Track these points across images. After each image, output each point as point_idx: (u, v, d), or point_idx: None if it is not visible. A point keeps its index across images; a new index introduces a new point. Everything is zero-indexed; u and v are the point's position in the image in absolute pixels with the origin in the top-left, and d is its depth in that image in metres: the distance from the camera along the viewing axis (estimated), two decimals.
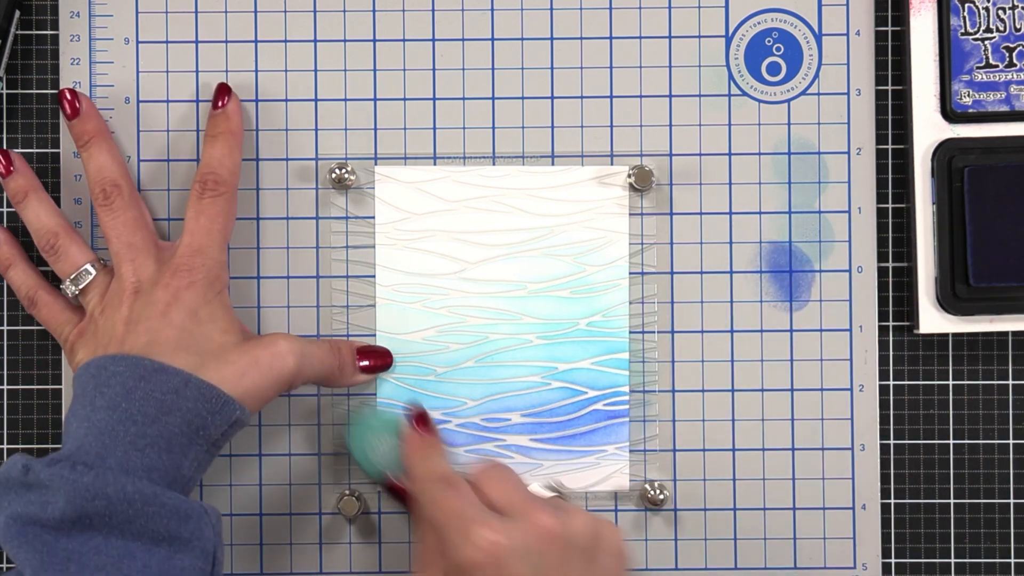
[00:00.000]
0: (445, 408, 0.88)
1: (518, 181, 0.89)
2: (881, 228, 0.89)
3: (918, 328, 0.87)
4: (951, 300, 0.87)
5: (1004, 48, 0.87)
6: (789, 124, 0.89)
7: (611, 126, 0.89)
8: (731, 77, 0.89)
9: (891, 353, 0.89)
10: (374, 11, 0.89)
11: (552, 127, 0.89)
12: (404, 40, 0.89)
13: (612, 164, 0.89)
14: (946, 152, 0.87)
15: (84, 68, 0.89)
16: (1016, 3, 0.87)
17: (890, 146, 0.89)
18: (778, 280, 0.89)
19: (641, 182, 0.88)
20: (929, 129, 0.87)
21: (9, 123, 0.89)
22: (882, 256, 0.89)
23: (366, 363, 0.87)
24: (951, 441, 0.89)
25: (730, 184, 0.89)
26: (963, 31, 0.87)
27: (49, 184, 0.88)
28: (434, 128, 0.89)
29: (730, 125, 0.89)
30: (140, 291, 0.82)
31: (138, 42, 0.89)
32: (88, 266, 0.85)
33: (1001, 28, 0.87)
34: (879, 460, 0.89)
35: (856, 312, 0.89)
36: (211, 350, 0.80)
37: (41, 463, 0.75)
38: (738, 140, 0.89)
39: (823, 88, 0.89)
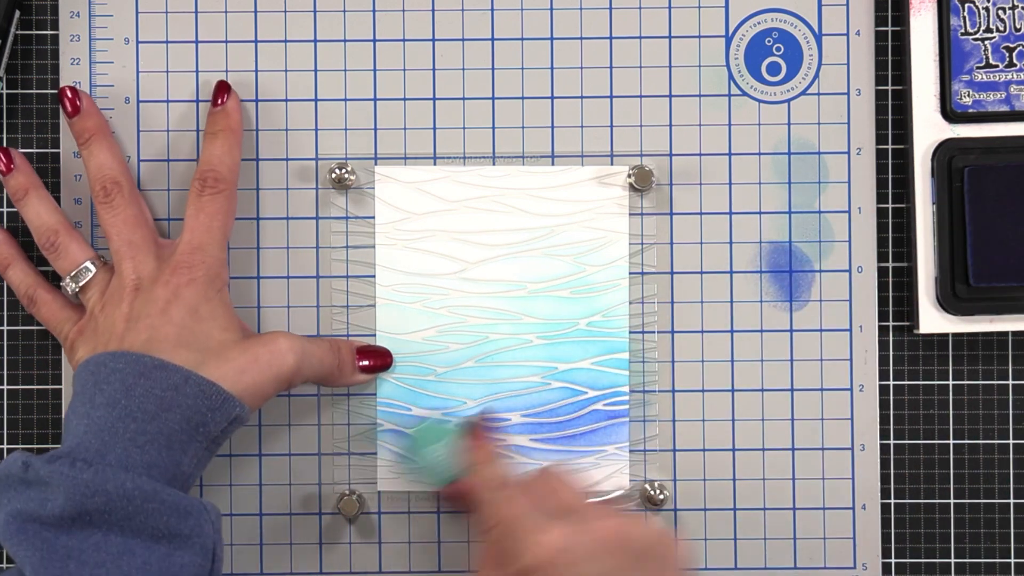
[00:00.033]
0: (445, 408, 0.88)
1: (518, 181, 0.89)
2: (881, 228, 0.89)
3: (918, 328, 0.87)
4: (951, 300, 0.87)
5: (1004, 48, 0.87)
6: (789, 124, 0.89)
7: (611, 126, 0.89)
8: (731, 77, 0.89)
9: (891, 353, 0.89)
10: (374, 11, 0.89)
11: (552, 127, 0.89)
12: (404, 40, 0.89)
13: (612, 164, 0.89)
14: (946, 152, 0.87)
15: (84, 68, 0.89)
16: (1016, 3, 0.87)
17: (890, 146, 0.89)
18: (778, 280, 0.89)
19: (641, 182, 0.88)
20: (929, 129, 0.87)
21: (9, 123, 0.89)
22: (882, 256, 0.89)
23: (366, 363, 0.87)
24: (951, 441, 0.89)
25: (730, 184, 0.89)
26: (963, 31, 0.87)
27: (49, 184, 0.88)
28: (434, 128, 0.89)
29: (730, 125, 0.89)
30: (140, 288, 0.82)
31: (138, 42, 0.89)
32: (88, 263, 0.85)
33: (1001, 28, 0.87)
34: (879, 460, 0.89)
35: (856, 312, 0.89)
36: (211, 347, 0.80)
37: (41, 460, 0.75)
38: (738, 140, 0.89)
39: (823, 88, 0.89)
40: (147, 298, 0.81)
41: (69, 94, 0.86)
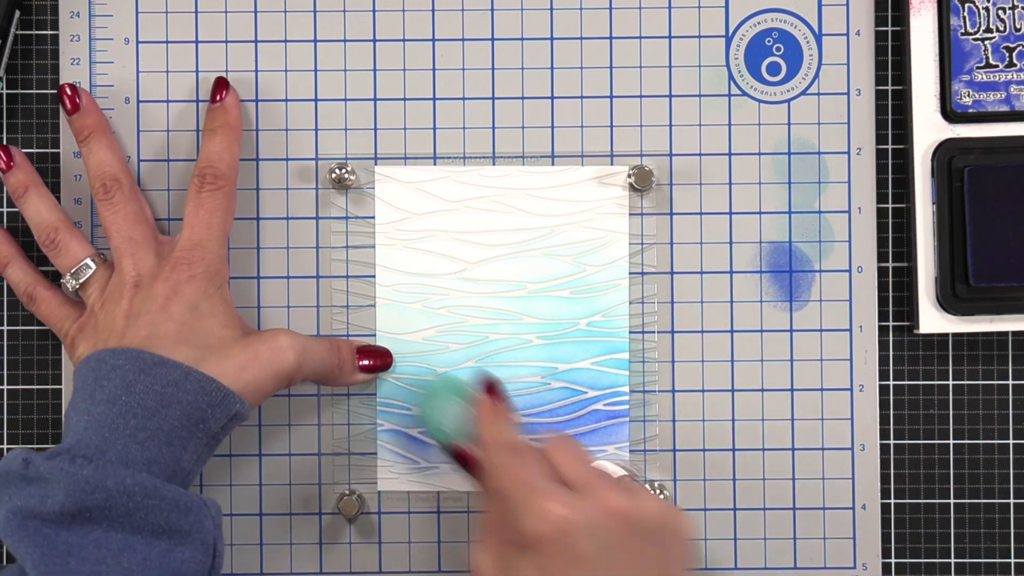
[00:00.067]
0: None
1: (518, 181, 0.89)
2: (881, 228, 0.89)
3: (918, 328, 0.87)
4: (951, 300, 0.87)
5: (1004, 48, 0.87)
6: (789, 124, 0.89)
7: (611, 126, 0.89)
8: (731, 77, 0.89)
9: (891, 353, 0.89)
10: (374, 11, 0.89)
11: (552, 127, 0.89)
12: (404, 40, 0.89)
13: (612, 164, 0.89)
14: (946, 152, 0.87)
15: (84, 68, 0.89)
16: (1016, 3, 0.87)
17: (890, 146, 0.89)
18: (778, 280, 0.89)
19: (641, 182, 0.88)
20: (929, 129, 0.87)
21: (9, 123, 0.89)
22: (882, 256, 0.89)
23: (366, 363, 0.87)
24: (951, 441, 0.89)
25: (730, 184, 0.89)
26: (963, 31, 0.87)
27: (49, 184, 0.88)
28: (434, 128, 0.89)
29: (730, 125, 0.89)
30: (140, 285, 0.82)
31: (138, 42, 0.89)
32: (88, 260, 0.85)
33: (1001, 28, 0.87)
34: (879, 460, 0.89)
35: (856, 312, 0.89)
36: (211, 344, 0.80)
37: (41, 457, 0.75)
38: (738, 140, 0.89)
39: (823, 88, 0.89)
40: (147, 295, 0.81)
41: (68, 92, 0.86)
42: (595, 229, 0.88)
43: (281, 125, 0.89)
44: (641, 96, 0.89)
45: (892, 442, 0.89)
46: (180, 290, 0.81)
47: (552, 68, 0.89)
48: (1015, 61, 0.87)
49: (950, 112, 0.87)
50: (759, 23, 0.89)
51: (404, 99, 0.89)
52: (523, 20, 0.89)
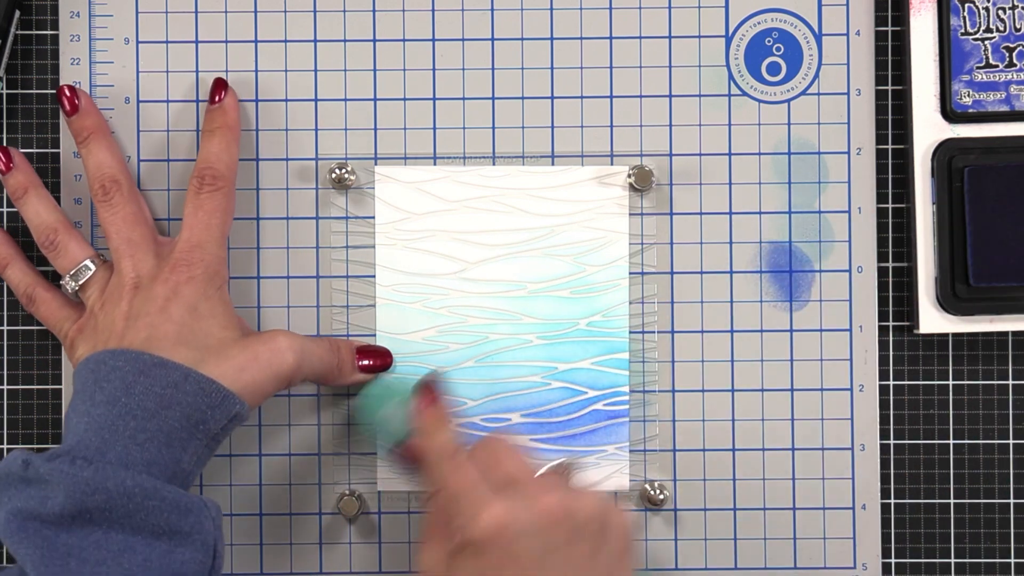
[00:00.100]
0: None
1: (518, 181, 0.89)
2: (881, 228, 0.89)
3: (918, 328, 0.87)
4: (951, 300, 0.87)
5: (1004, 48, 0.87)
6: (789, 124, 0.89)
7: (611, 126, 0.89)
8: (731, 77, 0.89)
9: (891, 353, 0.89)
10: (374, 11, 0.89)
11: (552, 127, 0.89)
12: (404, 40, 0.89)
13: (612, 164, 0.89)
14: (946, 152, 0.87)
15: (84, 68, 0.89)
16: (1016, 3, 0.87)
17: (890, 146, 0.89)
18: (778, 280, 0.89)
19: (641, 182, 0.88)
20: (929, 129, 0.87)
21: (9, 123, 0.89)
22: (882, 256, 0.89)
23: (366, 363, 0.87)
24: (951, 441, 0.89)
25: (730, 184, 0.89)
26: (963, 31, 0.87)
27: (49, 184, 0.88)
28: (434, 128, 0.89)
29: (730, 125, 0.89)
30: (139, 286, 0.82)
31: (138, 42, 0.89)
32: (88, 262, 0.85)
33: (1001, 28, 0.87)
34: (879, 460, 0.89)
35: (856, 312, 0.89)
36: (211, 345, 0.80)
37: (41, 458, 0.75)
38: (738, 140, 0.89)
39: (823, 88, 0.89)
40: (146, 296, 0.81)
41: (68, 93, 0.86)
42: (595, 229, 0.88)
43: (281, 125, 0.89)
44: (641, 96, 0.89)
45: (892, 442, 0.89)
46: (179, 291, 0.81)
47: (552, 68, 0.89)
48: (1015, 61, 0.87)
49: (950, 112, 0.87)
50: (759, 23, 0.89)
51: (404, 99, 0.89)
52: (523, 20, 0.89)
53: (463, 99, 0.89)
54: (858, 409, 0.89)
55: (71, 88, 0.86)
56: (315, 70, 0.89)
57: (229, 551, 0.89)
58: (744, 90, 0.89)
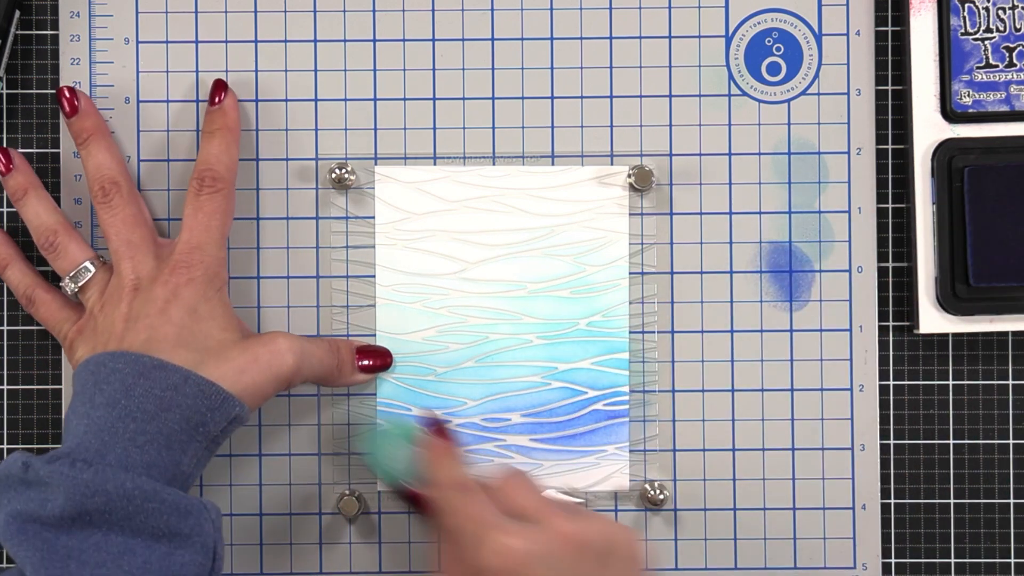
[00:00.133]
0: (445, 408, 0.88)
1: (518, 181, 0.89)
2: (881, 228, 0.89)
3: (918, 328, 0.87)
4: (951, 300, 0.87)
5: (1004, 48, 0.87)
6: (789, 124, 0.89)
7: (611, 126, 0.89)
8: (731, 77, 0.89)
9: (891, 353, 0.89)
10: (374, 11, 0.89)
11: (552, 127, 0.89)
12: (404, 40, 0.89)
13: (612, 164, 0.89)
14: (946, 152, 0.87)
15: (84, 68, 0.89)
16: (1016, 3, 0.87)
17: (890, 146, 0.89)
18: (778, 280, 0.89)
19: (641, 182, 0.88)
20: (929, 129, 0.87)
21: (9, 123, 0.89)
22: (882, 256, 0.89)
23: (366, 363, 0.87)
24: (951, 441, 0.89)
25: (730, 184, 0.89)
26: (963, 31, 0.87)
27: (49, 184, 0.88)
28: (434, 128, 0.89)
29: (730, 125, 0.89)
30: (139, 288, 0.82)
31: (138, 42, 0.89)
32: (87, 263, 0.85)
33: (1001, 28, 0.87)
34: (879, 460, 0.89)
35: (856, 312, 0.89)
36: (210, 347, 0.80)
37: (41, 460, 0.75)
38: (738, 140, 0.89)
39: (823, 88, 0.89)
40: (146, 298, 0.81)
41: (67, 94, 0.86)
42: (595, 229, 0.88)
43: (281, 125, 0.89)
44: (641, 96, 0.89)
45: (892, 442, 0.89)
46: (179, 293, 0.81)
47: (552, 68, 0.89)
48: (1015, 61, 0.87)
49: (950, 112, 0.87)
50: (759, 23, 0.89)
51: (404, 99, 0.89)
52: (523, 20, 0.89)
53: (463, 99, 0.89)
54: (858, 409, 0.89)
55: (71, 89, 0.86)
56: (315, 70, 0.89)
57: (229, 551, 0.89)
58: (744, 90, 0.89)
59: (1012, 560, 0.89)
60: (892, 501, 0.89)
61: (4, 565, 0.90)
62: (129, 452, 0.75)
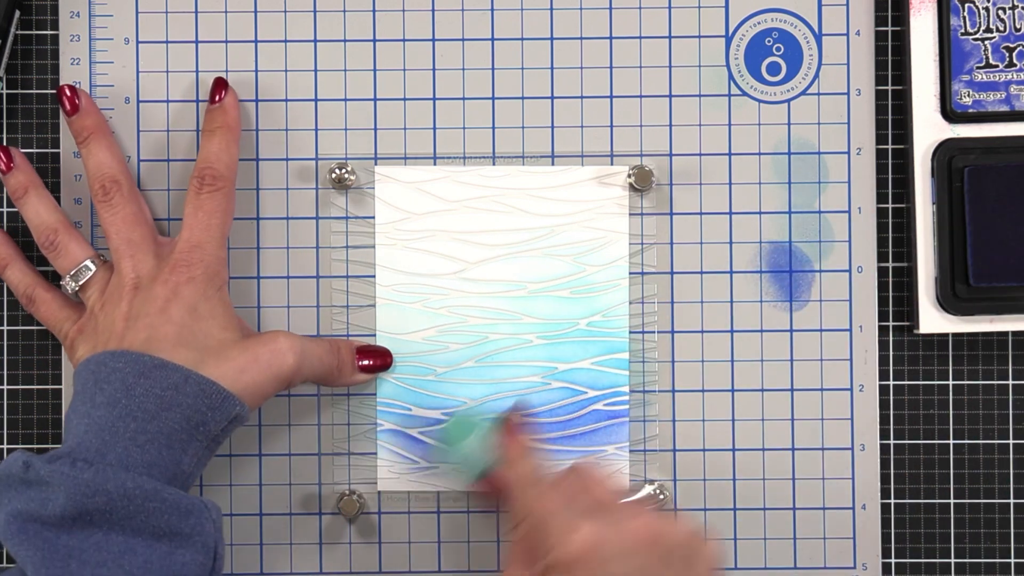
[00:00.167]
0: (445, 408, 0.88)
1: (518, 181, 0.89)
2: (881, 228, 0.89)
3: (918, 328, 0.87)
4: (951, 300, 0.87)
5: (1004, 48, 0.87)
6: (789, 124, 0.89)
7: (611, 126, 0.89)
8: (731, 77, 0.89)
9: (891, 353, 0.89)
10: (374, 11, 0.89)
11: (552, 127, 0.89)
12: (404, 40, 0.89)
13: (612, 164, 0.89)
14: (946, 152, 0.87)
15: (84, 68, 0.89)
16: (1016, 3, 0.87)
17: (890, 146, 0.89)
18: (778, 280, 0.89)
19: (641, 182, 0.88)
20: (929, 129, 0.87)
21: (9, 123, 0.89)
22: (882, 256, 0.89)
23: (366, 363, 0.87)
24: (951, 441, 0.89)
25: (730, 184, 0.89)
26: (963, 31, 0.87)
27: (49, 184, 0.88)
28: (434, 128, 0.89)
29: (730, 125, 0.89)
30: (140, 287, 0.82)
31: (138, 42, 0.89)
32: (88, 262, 0.85)
33: (1001, 28, 0.87)
34: (879, 460, 0.89)
35: (856, 312, 0.89)
36: (211, 346, 0.80)
37: (41, 460, 0.75)
38: (738, 140, 0.89)
39: (823, 88, 0.89)
40: (146, 297, 0.81)
41: (68, 92, 0.86)
42: (595, 229, 0.88)
43: (281, 125, 0.89)
44: (641, 96, 0.89)
45: (892, 442, 0.89)
46: (179, 292, 0.81)
47: (552, 68, 0.89)
48: (1015, 61, 0.87)
49: (950, 112, 0.87)
50: (759, 23, 0.89)
51: (404, 99, 0.89)
52: (523, 20, 0.89)
53: (463, 99, 0.89)
54: (858, 409, 0.89)
55: (71, 88, 0.86)
56: (315, 70, 0.89)
57: (229, 551, 0.89)
58: (744, 90, 0.89)
59: (1012, 560, 0.89)
60: (892, 501, 0.89)
61: (5, 565, 0.90)
62: (130, 451, 0.75)
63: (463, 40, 0.89)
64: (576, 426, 0.89)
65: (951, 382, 0.89)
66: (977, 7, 0.87)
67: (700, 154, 0.89)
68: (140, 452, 0.76)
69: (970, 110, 0.87)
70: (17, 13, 0.88)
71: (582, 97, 0.89)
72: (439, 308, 0.88)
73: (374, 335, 0.89)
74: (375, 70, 0.89)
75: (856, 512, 0.89)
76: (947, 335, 0.89)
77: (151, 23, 0.89)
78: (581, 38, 0.89)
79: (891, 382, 0.89)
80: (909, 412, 0.89)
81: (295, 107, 0.89)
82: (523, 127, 0.89)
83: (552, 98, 0.89)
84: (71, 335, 0.84)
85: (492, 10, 0.89)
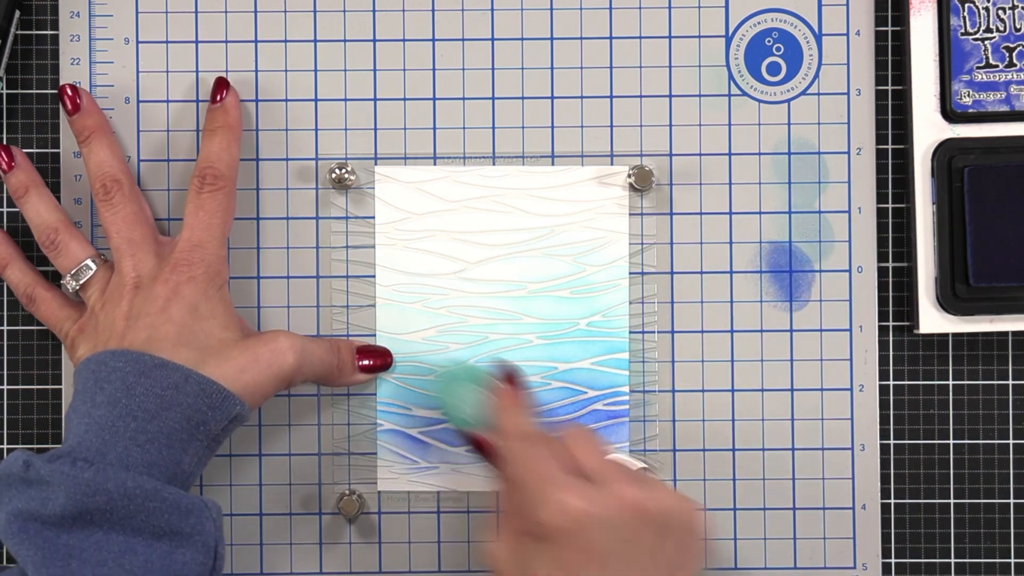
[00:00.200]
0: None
1: (518, 181, 0.89)
2: (881, 228, 0.89)
3: (918, 328, 0.87)
4: (951, 300, 0.87)
5: (1004, 48, 0.87)
6: (789, 124, 0.89)
7: (611, 126, 0.89)
8: (731, 77, 0.89)
9: (891, 353, 0.89)
10: (374, 11, 0.89)
11: (552, 127, 0.89)
12: (404, 40, 0.89)
13: (612, 164, 0.89)
14: (946, 152, 0.87)
15: (84, 68, 0.89)
16: (1016, 3, 0.87)
17: (890, 146, 0.89)
18: (778, 280, 0.89)
19: (641, 182, 0.88)
20: (929, 129, 0.87)
21: (9, 123, 0.89)
22: (882, 256, 0.89)
23: (366, 363, 0.87)
24: (951, 441, 0.89)
25: (730, 184, 0.89)
26: (963, 31, 0.87)
27: (49, 184, 0.88)
28: (434, 128, 0.89)
29: (730, 125, 0.89)
30: (140, 286, 0.82)
31: (138, 42, 0.89)
32: (89, 261, 0.85)
33: (1001, 28, 0.87)
34: (879, 460, 0.89)
35: (856, 312, 0.89)
36: (211, 346, 0.80)
37: (41, 459, 0.75)
38: (738, 140, 0.89)
39: (823, 88, 0.89)
40: (147, 296, 0.81)
41: (69, 92, 0.86)
42: (595, 229, 0.88)
43: (281, 125, 0.89)
44: (641, 96, 0.89)
45: (892, 442, 0.89)
46: (180, 292, 0.81)
47: (552, 68, 0.89)
48: (1015, 61, 0.87)
49: (950, 112, 0.87)
50: (759, 23, 0.89)
51: (404, 99, 0.89)
52: (523, 20, 0.89)
53: (463, 99, 0.89)
54: (858, 409, 0.89)
55: (72, 87, 0.86)
56: (315, 70, 0.89)
57: (229, 551, 0.89)
58: (744, 90, 0.89)
59: (1012, 560, 0.89)
60: (892, 501, 0.89)
61: (5, 564, 0.90)
62: (130, 451, 0.75)
63: (463, 40, 0.89)
64: None
65: (951, 382, 0.89)
66: (977, 7, 0.87)
67: (700, 154, 0.89)
68: (140, 452, 0.76)
69: (970, 110, 0.87)
70: (17, 13, 0.88)
71: (582, 97, 0.89)
72: (439, 308, 0.88)
73: (374, 335, 0.89)
74: (375, 70, 0.89)
75: (856, 512, 0.89)
76: (947, 335, 0.89)
77: (151, 23, 0.89)
78: (581, 38, 0.89)
79: (891, 382, 0.89)
80: (909, 412, 0.89)
81: (295, 107, 0.89)
82: (523, 127, 0.89)
83: (552, 98, 0.89)
84: (71, 334, 0.84)
85: (492, 10, 0.89)
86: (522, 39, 0.89)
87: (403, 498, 0.89)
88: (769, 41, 0.89)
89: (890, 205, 0.89)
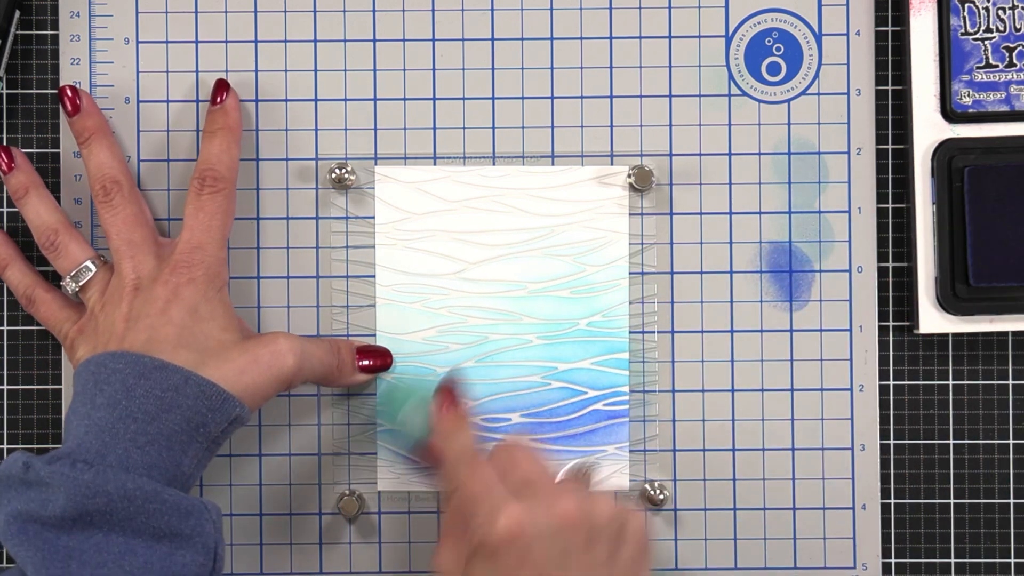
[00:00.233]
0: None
1: (518, 181, 0.89)
2: (881, 228, 0.89)
3: (918, 328, 0.87)
4: (951, 300, 0.87)
5: (1004, 48, 0.87)
6: (789, 124, 0.89)
7: (611, 126, 0.89)
8: (731, 77, 0.89)
9: (891, 353, 0.89)
10: (374, 11, 0.89)
11: (552, 127, 0.89)
12: (404, 40, 0.89)
13: (612, 164, 0.89)
14: (946, 152, 0.87)
15: (84, 68, 0.89)
16: (1016, 3, 0.87)
17: (890, 146, 0.89)
18: (778, 280, 0.89)
19: (641, 182, 0.88)
20: (929, 129, 0.87)
21: (9, 123, 0.89)
22: (882, 256, 0.89)
23: (366, 363, 0.87)
24: (951, 441, 0.89)
25: (730, 184, 0.89)
26: (963, 31, 0.87)
27: (49, 184, 0.88)
28: (434, 128, 0.89)
29: (730, 125, 0.89)
30: (140, 288, 0.82)
31: (138, 42, 0.89)
32: (88, 263, 0.85)
33: (1001, 28, 0.87)
34: (879, 460, 0.89)
35: (856, 312, 0.89)
36: (211, 347, 0.80)
37: (41, 461, 0.75)
38: (738, 140, 0.89)
39: (823, 88, 0.89)
40: (147, 298, 0.81)
41: (69, 93, 0.86)
42: (595, 229, 0.88)
43: (281, 125, 0.89)
44: (641, 96, 0.89)
45: (892, 442, 0.89)
46: (180, 293, 0.81)
47: (552, 68, 0.89)
48: (1015, 61, 0.87)
49: (950, 112, 0.87)
50: (759, 23, 0.89)
51: (404, 99, 0.89)
52: (523, 20, 0.89)
53: (463, 99, 0.89)
54: (858, 409, 0.89)
55: (72, 88, 0.86)
56: (315, 70, 0.89)
57: (229, 551, 0.89)
58: (744, 90, 0.89)
59: (1012, 560, 0.89)
60: (892, 501, 0.89)
61: (5, 565, 0.90)
62: (130, 453, 0.75)
63: (463, 40, 0.89)
64: (576, 426, 0.89)
65: (951, 382, 0.89)
66: (977, 7, 0.87)
67: (700, 154, 0.89)
68: (140, 453, 0.76)
69: (970, 110, 0.87)
70: (17, 13, 0.88)
71: (582, 97, 0.89)
72: (439, 308, 0.88)
73: (374, 335, 0.89)
74: (375, 70, 0.89)
75: (856, 512, 0.89)
76: (947, 335, 0.89)
77: (151, 23, 0.89)
78: (581, 38, 0.89)
79: (891, 382, 0.89)
80: (909, 412, 0.89)
81: (295, 107, 0.89)
82: (523, 127, 0.89)
83: (552, 98, 0.89)
84: (71, 336, 0.84)
85: (492, 10, 0.89)
86: (522, 39, 0.89)
87: (403, 498, 0.89)
88: (769, 41, 0.89)
89: (890, 205, 0.89)
